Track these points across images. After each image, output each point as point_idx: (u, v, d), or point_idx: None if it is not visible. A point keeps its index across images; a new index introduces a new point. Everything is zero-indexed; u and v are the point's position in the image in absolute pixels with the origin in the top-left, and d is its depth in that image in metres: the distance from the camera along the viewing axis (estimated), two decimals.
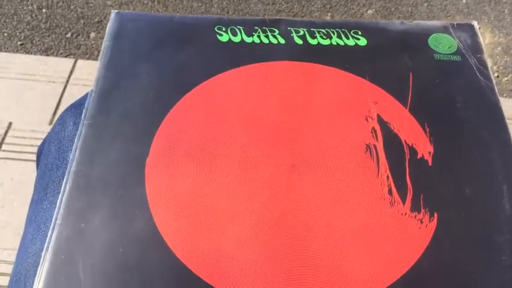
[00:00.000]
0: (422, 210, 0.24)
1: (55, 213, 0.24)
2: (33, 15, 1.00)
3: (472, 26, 0.32)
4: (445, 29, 0.32)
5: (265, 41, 0.31)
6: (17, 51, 0.93)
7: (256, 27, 0.32)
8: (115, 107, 0.28)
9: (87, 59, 0.91)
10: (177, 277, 0.23)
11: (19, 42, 0.96)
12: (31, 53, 0.93)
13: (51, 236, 0.24)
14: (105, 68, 0.30)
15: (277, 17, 0.32)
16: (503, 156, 0.26)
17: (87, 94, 0.30)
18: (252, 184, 0.25)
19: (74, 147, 0.26)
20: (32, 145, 0.74)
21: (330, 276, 0.23)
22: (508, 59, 0.90)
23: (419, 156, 0.26)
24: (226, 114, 0.28)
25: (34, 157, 0.38)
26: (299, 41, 0.31)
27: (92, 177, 0.26)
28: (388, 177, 0.26)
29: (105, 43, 0.31)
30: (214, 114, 0.28)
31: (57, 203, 0.25)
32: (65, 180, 0.26)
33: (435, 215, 0.24)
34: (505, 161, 0.26)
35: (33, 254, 0.28)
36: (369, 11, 1.03)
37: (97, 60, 0.30)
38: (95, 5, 1.01)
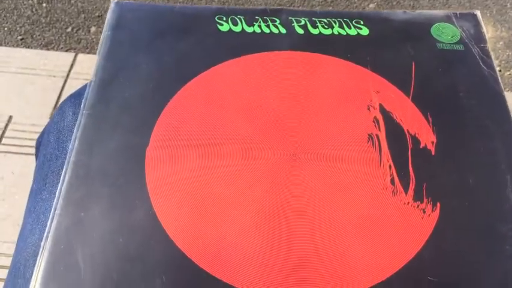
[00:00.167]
0: (425, 200, 0.24)
1: (54, 203, 0.24)
2: (34, 10, 0.99)
3: (475, 16, 0.31)
4: (447, 19, 0.31)
5: (266, 30, 0.31)
6: (18, 46, 0.93)
7: (257, 17, 0.31)
8: (114, 97, 0.28)
9: (88, 53, 0.91)
10: (178, 267, 0.22)
11: (19, 37, 0.95)
12: (31, 48, 0.92)
13: (50, 226, 0.24)
14: (104, 58, 0.29)
15: (278, 7, 0.32)
16: (507, 146, 0.26)
17: (86, 85, 0.29)
18: (253, 174, 0.25)
19: (73, 137, 0.26)
20: (32, 139, 0.74)
21: (332, 265, 0.22)
22: (510, 53, 0.90)
23: (422, 145, 0.26)
24: (226, 104, 0.28)
25: (34, 151, 0.38)
26: (300, 31, 0.31)
27: (91, 167, 0.25)
28: (390, 166, 0.25)
29: (105, 33, 0.31)
30: (215, 103, 0.28)
31: (57, 193, 0.25)
32: (64, 170, 0.25)
33: (438, 204, 0.24)
34: (508, 151, 0.26)
35: (32, 244, 0.28)
36: (371, 5, 1.02)
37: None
38: None
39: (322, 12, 0.32)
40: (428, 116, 0.27)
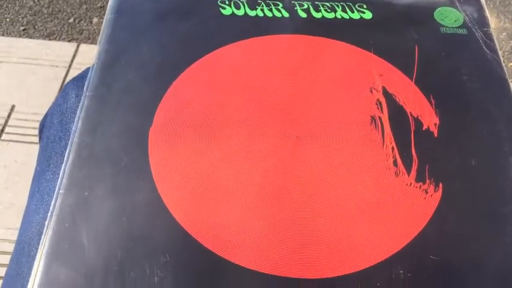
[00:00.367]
0: (428, 181, 0.24)
1: (58, 183, 0.24)
2: (36, 1, 0.99)
3: (478, 0, 0.31)
4: (451, 3, 0.31)
5: (269, 14, 0.31)
6: (20, 37, 0.92)
7: (259, 1, 0.31)
8: (117, 79, 0.28)
9: (90, 43, 0.90)
10: (181, 245, 0.22)
11: (21, 28, 0.95)
12: (34, 38, 0.92)
13: (54, 205, 0.24)
14: (107, 41, 0.29)
15: None
16: (509, 129, 0.26)
17: (89, 68, 0.29)
18: (256, 155, 0.25)
19: (76, 118, 0.26)
20: (35, 127, 0.74)
21: (334, 245, 0.22)
22: None
23: (424, 127, 0.26)
24: (229, 87, 0.28)
25: (37, 139, 0.38)
26: (303, 15, 0.31)
27: (95, 147, 0.25)
28: (393, 148, 0.25)
29: (107, 16, 0.31)
30: (218, 86, 0.28)
31: (60, 173, 0.25)
32: (67, 150, 0.25)
33: (440, 185, 0.24)
34: (511, 133, 0.26)
35: (36, 224, 0.28)
36: None
37: None
38: None
39: None
40: (431, 99, 0.27)
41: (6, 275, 0.28)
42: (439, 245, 0.22)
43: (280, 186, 0.24)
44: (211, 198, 0.24)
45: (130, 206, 0.23)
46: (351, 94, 0.27)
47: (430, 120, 0.26)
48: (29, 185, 0.33)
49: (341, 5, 0.31)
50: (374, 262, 0.22)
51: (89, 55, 0.87)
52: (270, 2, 0.31)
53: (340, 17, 0.30)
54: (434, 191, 0.24)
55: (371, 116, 0.26)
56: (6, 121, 0.76)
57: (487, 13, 0.30)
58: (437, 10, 0.31)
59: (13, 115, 0.77)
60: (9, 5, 0.98)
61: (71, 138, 0.26)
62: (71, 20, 0.96)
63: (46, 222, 0.23)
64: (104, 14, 0.31)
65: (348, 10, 0.31)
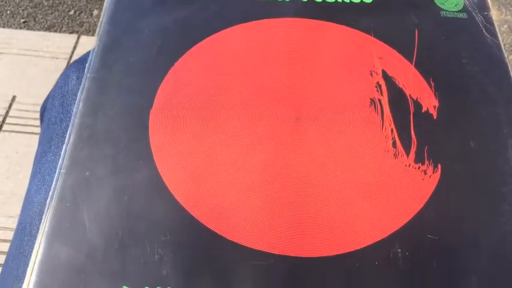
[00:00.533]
0: (426, 162, 0.24)
1: (59, 163, 0.24)
2: None
3: None
4: None
5: None
6: (20, 29, 0.92)
7: None
8: (118, 61, 0.28)
9: (91, 35, 0.90)
10: (182, 224, 0.23)
11: (22, 20, 0.95)
12: (34, 31, 0.92)
13: (55, 185, 0.24)
14: (108, 23, 0.29)
15: None
16: (509, 111, 0.26)
17: (90, 51, 0.29)
18: (256, 137, 0.25)
19: (77, 100, 0.26)
20: (35, 118, 0.74)
21: (333, 224, 0.23)
22: None
23: (424, 109, 0.26)
24: (230, 70, 0.28)
25: (39, 130, 0.38)
26: None
27: (95, 128, 0.25)
28: (392, 130, 0.25)
29: None
30: (218, 69, 0.28)
31: (62, 153, 0.25)
32: (68, 131, 0.25)
33: (439, 166, 0.24)
34: (510, 116, 0.26)
35: (38, 203, 0.28)
36: None
37: None
38: None
39: None
40: (431, 82, 0.27)
41: (8, 255, 0.28)
42: (437, 224, 0.22)
43: (280, 168, 0.24)
44: (211, 178, 0.24)
45: (131, 185, 0.23)
46: (351, 77, 0.27)
47: (430, 102, 0.26)
48: (29, 175, 0.33)
49: None
50: (372, 241, 0.22)
51: (89, 47, 0.87)
52: None
53: (340, 0, 0.30)
54: (433, 172, 0.24)
55: (371, 99, 0.26)
56: (7, 112, 0.76)
57: None
58: None
59: (14, 106, 0.77)
60: None
61: (72, 120, 0.26)
62: (72, 12, 0.96)
63: (47, 202, 0.23)
64: None
65: None
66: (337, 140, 0.25)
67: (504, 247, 0.22)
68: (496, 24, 0.29)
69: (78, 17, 0.95)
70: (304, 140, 0.25)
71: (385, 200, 0.23)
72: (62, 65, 0.85)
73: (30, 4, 0.97)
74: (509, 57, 0.79)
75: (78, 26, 0.93)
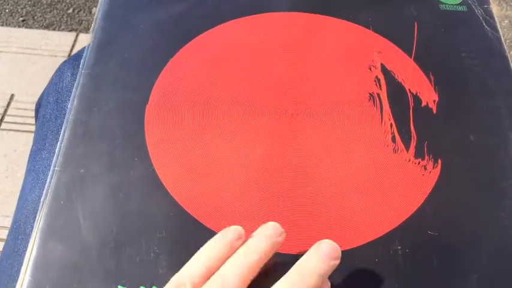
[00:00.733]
0: (426, 157, 0.24)
1: (54, 160, 0.24)
2: None
3: None
4: None
5: None
6: (19, 27, 0.91)
7: None
8: (114, 57, 0.27)
9: (89, 33, 0.90)
10: (178, 221, 0.22)
11: (21, 18, 0.94)
12: (33, 29, 0.91)
13: (50, 182, 0.23)
14: (103, 19, 0.29)
15: None
16: (509, 104, 0.25)
17: (84, 48, 0.29)
18: (253, 132, 0.25)
19: (72, 96, 0.26)
20: (34, 117, 0.74)
21: (332, 222, 0.22)
22: None
23: (423, 104, 0.25)
24: (227, 64, 0.27)
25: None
26: None
27: (90, 125, 0.25)
28: (391, 125, 0.25)
29: None
30: (215, 63, 0.27)
31: (56, 150, 0.24)
32: (63, 128, 0.25)
33: (439, 161, 0.24)
34: (510, 109, 0.25)
35: (32, 202, 0.28)
36: None
37: None
38: None
39: None
40: (431, 76, 0.26)
41: (2, 254, 0.28)
42: (438, 221, 0.22)
43: (277, 164, 0.24)
44: (208, 175, 0.23)
45: (126, 183, 0.23)
46: (350, 71, 0.27)
47: (429, 96, 0.26)
48: None
49: None
50: (372, 238, 0.21)
51: None
52: None
53: None
54: (433, 167, 0.23)
55: (369, 93, 0.26)
56: (6, 110, 0.76)
57: None
58: None
59: (12, 104, 0.76)
60: None
61: (66, 116, 0.25)
62: (70, 11, 0.95)
63: (42, 199, 0.23)
64: None
65: None
66: (336, 135, 0.24)
67: (505, 242, 0.22)
68: (496, 17, 0.28)
69: (76, 15, 0.94)
70: (302, 136, 0.24)
71: (385, 196, 0.23)
72: (61, 63, 0.84)
73: (29, 2, 0.96)
74: (510, 53, 0.78)
75: (77, 24, 0.93)
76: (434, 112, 0.25)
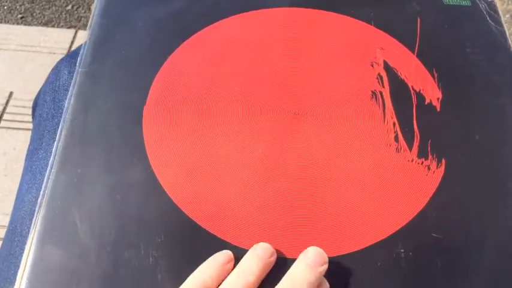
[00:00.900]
0: (430, 157, 0.23)
1: (50, 161, 0.23)
2: None
3: None
4: None
5: None
6: (18, 24, 0.91)
7: None
8: (111, 55, 0.27)
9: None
10: (177, 225, 0.21)
11: (19, 15, 0.93)
12: (31, 26, 0.90)
13: (46, 184, 0.23)
14: (100, 16, 0.28)
15: None
16: None
17: (81, 45, 0.28)
18: (253, 133, 0.24)
19: (68, 95, 0.25)
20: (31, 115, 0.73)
21: (334, 223, 0.21)
22: None
23: (427, 102, 0.25)
24: (226, 62, 0.26)
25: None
26: None
27: (87, 125, 0.24)
28: (394, 123, 0.24)
29: None
30: (214, 61, 0.26)
31: (53, 151, 0.24)
32: (60, 128, 0.24)
33: (443, 161, 0.23)
34: None
35: (28, 203, 0.27)
36: None
37: None
38: None
39: None
40: (434, 72, 0.26)
41: (0, 255, 0.27)
42: (442, 222, 0.21)
43: (279, 163, 0.23)
44: (207, 176, 0.23)
45: (124, 184, 0.22)
46: (351, 68, 0.26)
47: (433, 94, 0.25)
48: None
49: None
50: (374, 241, 0.21)
51: None
52: None
53: None
54: (437, 167, 0.23)
55: (372, 91, 0.25)
56: (5, 108, 0.75)
57: None
58: None
59: (11, 102, 0.76)
60: None
61: (63, 116, 0.24)
62: (69, 7, 0.94)
63: (39, 201, 0.22)
64: None
65: None
66: (337, 135, 0.24)
67: (510, 243, 0.21)
68: (500, 11, 0.28)
69: (75, 12, 0.93)
70: (303, 135, 0.24)
71: (387, 198, 0.22)
72: None
73: None
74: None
75: (76, 21, 0.92)
76: (438, 110, 0.24)
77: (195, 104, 0.25)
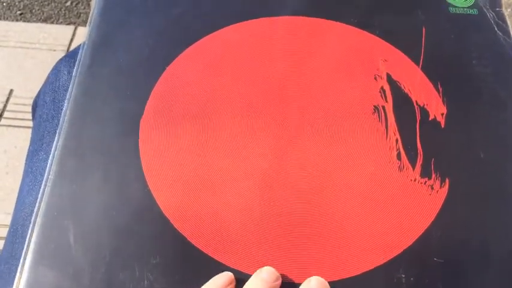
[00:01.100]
0: (433, 176, 0.22)
1: (45, 177, 0.22)
2: None
3: None
4: None
5: None
6: (17, 21, 0.89)
7: None
8: (108, 63, 0.25)
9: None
10: (173, 246, 0.21)
11: (18, 12, 0.92)
12: (31, 22, 0.89)
13: (41, 200, 0.22)
14: (99, 15, 0.27)
15: None
16: None
17: (80, 45, 0.27)
18: (253, 150, 0.23)
19: (65, 103, 0.24)
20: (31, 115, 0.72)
21: (334, 244, 0.21)
22: None
23: (431, 117, 0.24)
24: (226, 73, 0.25)
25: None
26: None
27: (83, 138, 0.23)
28: (397, 140, 0.23)
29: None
30: (214, 72, 0.25)
31: (47, 165, 0.23)
32: (55, 140, 0.23)
33: (447, 180, 0.22)
34: None
35: (29, 205, 0.27)
36: None
37: None
38: None
39: None
40: (439, 86, 0.24)
41: (1, 257, 0.27)
42: (445, 245, 0.20)
43: (278, 181, 0.22)
44: (206, 195, 0.22)
45: (119, 203, 0.22)
46: (354, 81, 0.25)
47: (437, 109, 0.24)
48: None
49: None
50: (374, 265, 0.20)
51: None
52: None
53: None
54: (441, 186, 0.22)
55: (374, 106, 0.24)
56: (5, 105, 0.74)
57: None
58: None
59: (11, 99, 0.75)
60: None
61: (59, 127, 0.24)
62: (68, 3, 0.92)
63: (32, 219, 0.21)
64: None
65: None
66: (338, 152, 0.23)
67: None
68: (509, 22, 0.26)
69: (75, 8, 0.92)
70: (303, 153, 0.23)
71: (389, 219, 0.21)
72: (59, 57, 0.82)
73: None
74: None
75: (75, 17, 0.90)
76: (443, 126, 0.23)
77: (193, 118, 0.24)
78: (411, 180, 0.22)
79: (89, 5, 0.92)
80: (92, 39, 0.26)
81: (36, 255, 0.21)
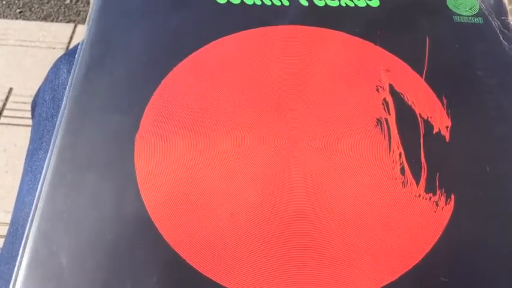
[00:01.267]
0: (438, 192, 0.21)
1: (36, 195, 0.21)
2: None
3: None
4: None
5: (268, 2, 0.27)
6: (16, 19, 0.87)
7: None
8: (104, 75, 0.24)
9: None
10: (170, 267, 0.19)
11: (18, 10, 0.90)
12: (30, 21, 0.87)
13: (33, 216, 0.21)
14: (98, 14, 0.26)
15: None
16: None
17: (78, 44, 0.26)
18: (250, 163, 0.22)
19: (61, 111, 0.23)
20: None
21: (335, 264, 0.20)
22: None
23: (435, 131, 0.23)
24: (224, 85, 0.24)
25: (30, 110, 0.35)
26: (304, 3, 0.27)
27: (77, 153, 0.22)
28: (400, 154, 0.22)
29: (94, 7, 0.27)
30: (211, 84, 0.24)
31: (40, 181, 0.22)
32: (48, 157, 0.22)
33: (452, 196, 0.21)
34: None
35: (29, 204, 0.26)
36: None
37: None
38: None
39: None
40: (443, 98, 0.23)
41: (0, 256, 0.26)
42: (452, 264, 0.19)
43: (276, 199, 0.21)
44: (203, 213, 0.21)
45: (114, 223, 0.20)
46: (355, 93, 0.24)
47: (442, 122, 0.23)
48: None
49: None
50: (379, 286, 0.19)
51: None
52: None
53: (344, 4, 0.26)
54: (446, 203, 0.21)
55: (377, 118, 0.23)
56: (5, 104, 0.73)
57: (505, 0, 0.27)
58: None
59: (11, 98, 0.73)
60: None
61: (53, 138, 0.23)
62: (68, 1, 0.91)
63: (22, 243, 0.20)
64: None
65: None
66: (339, 166, 0.22)
67: None
68: None
69: (74, 6, 0.90)
70: (302, 167, 0.22)
71: (393, 237, 0.20)
72: (59, 55, 0.80)
73: None
74: None
75: (75, 15, 0.89)
76: (447, 140, 0.22)
77: (190, 133, 0.23)
78: (415, 196, 0.21)
79: (88, 2, 0.90)
80: (90, 37, 0.25)
81: (27, 278, 0.20)
